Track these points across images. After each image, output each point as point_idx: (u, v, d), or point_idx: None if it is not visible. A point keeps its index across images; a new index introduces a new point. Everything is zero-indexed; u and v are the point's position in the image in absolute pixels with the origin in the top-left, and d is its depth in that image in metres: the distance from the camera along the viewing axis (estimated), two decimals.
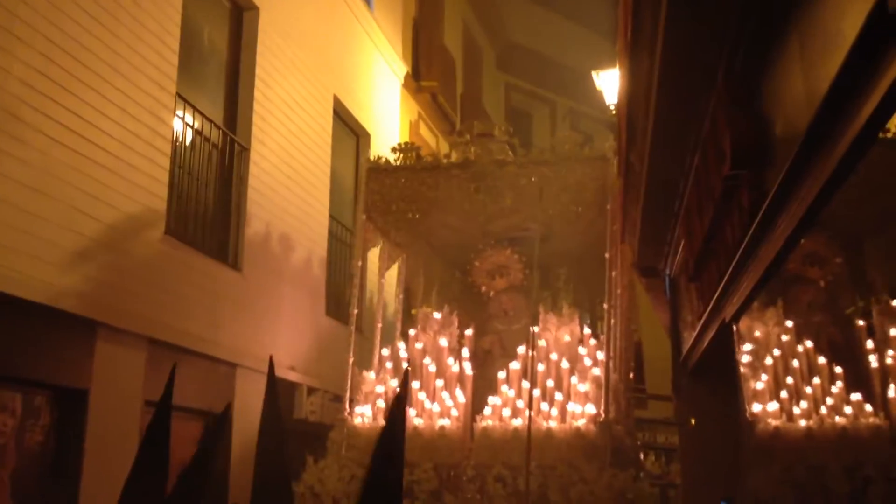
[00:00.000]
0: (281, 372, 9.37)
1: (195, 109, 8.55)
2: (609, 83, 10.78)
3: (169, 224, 7.80)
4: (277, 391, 1.74)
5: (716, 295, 5.02)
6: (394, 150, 8.43)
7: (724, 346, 5.80)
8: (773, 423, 6.46)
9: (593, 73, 11.05)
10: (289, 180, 10.04)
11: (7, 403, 6.21)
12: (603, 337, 7.68)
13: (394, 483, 1.72)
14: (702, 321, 5.73)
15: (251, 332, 8.96)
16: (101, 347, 6.79)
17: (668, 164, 5.23)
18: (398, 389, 1.74)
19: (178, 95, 8.08)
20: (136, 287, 7.24)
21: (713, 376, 6.69)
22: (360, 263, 8.26)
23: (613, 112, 9.45)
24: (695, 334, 6.32)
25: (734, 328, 6.65)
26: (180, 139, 8.28)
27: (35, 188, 6.20)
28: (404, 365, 7.82)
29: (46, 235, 6.32)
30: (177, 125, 8.16)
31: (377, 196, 8.19)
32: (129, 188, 7.23)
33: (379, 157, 8.57)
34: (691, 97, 4.41)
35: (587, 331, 8.14)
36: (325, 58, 11.36)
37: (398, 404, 1.77)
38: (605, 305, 7.50)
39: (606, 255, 7.57)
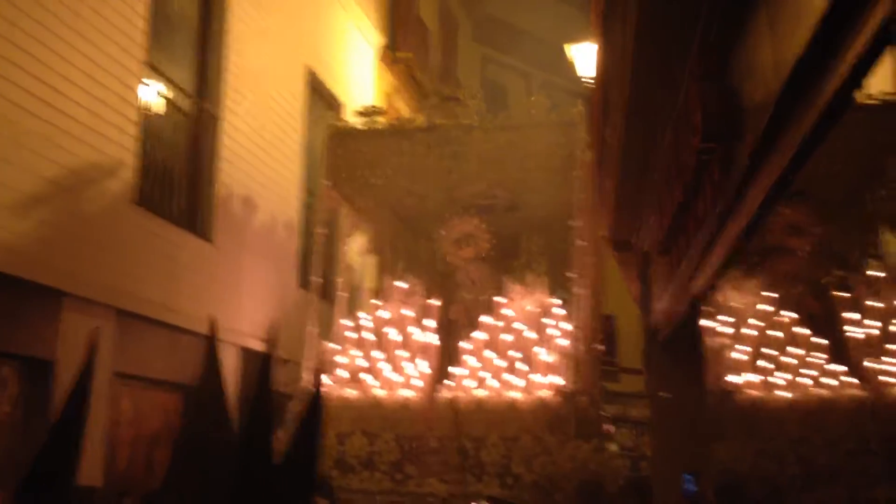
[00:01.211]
0: (252, 343, 9.33)
1: (164, 77, 8.42)
2: (582, 56, 10.76)
3: (138, 193, 7.69)
4: (219, 359, 1.67)
5: (686, 269, 5.02)
6: (357, 113, 8.25)
7: (694, 320, 5.83)
8: (753, 393, 6.47)
9: (565, 46, 11.01)
10: (261, 151, 9.94)
11: None
12: (569, 307, 7.58)
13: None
14: (672, 295, 5.75)
15: (222, 303, 8.90)
16: (67, 317, 6.69)
17: (642, 137, 5.22)
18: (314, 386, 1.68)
19: (147, 63, 7.94)
20: (103, 257, 7.14)
21: (683, 350, 6.72)
22: (324, 231, 8.16)
23: (586, 84, 9.42)
24: (665, 308, 6.34)
25: (707, 301, 6.68)
26: (149, 108, 8.15)
27: None
28: (366, 335, 7.71)
29: (10, 203, 6.21)
30: (146, 93, 8.02)
31: (341, 161, 8.01)
32: (97, 157, 7.11)
33: (342, 121, 8.42)
34: (664, 70, 4.39)
35: (555, 300, 8.05)
36: (298, 27, 11.21)
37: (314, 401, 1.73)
38: (571, 274, 7.39)
39: (572, 224, 7.46)
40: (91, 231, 7.03)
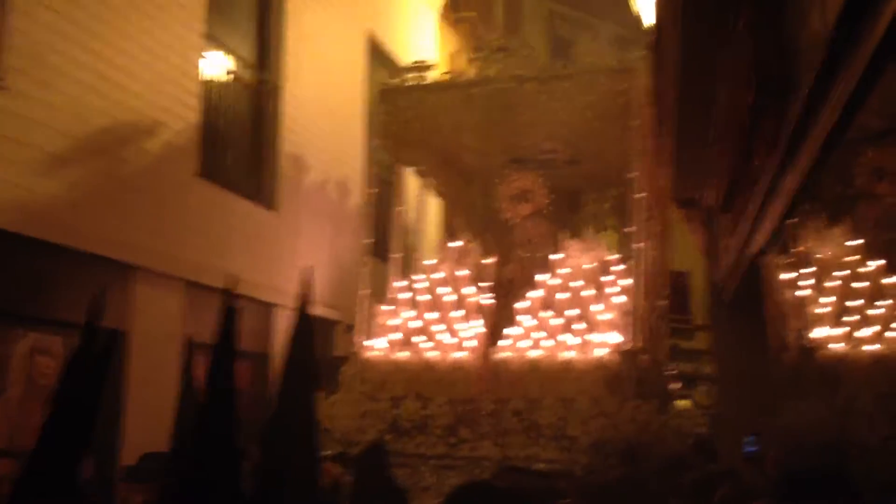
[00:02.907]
0: (318, 310, 9.47)
1: (225, 48, 8.51)
2: (648, 6, 10.46)
3: (202, 165, 7.83)
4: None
5: (746, 226, 4.90)
6: (407, 68, 7.94)
7: (757, 276, 5.69)
8: (837, 348, 6.19)
9: None
10: (323, 118, 10.00)
11: (49, 346, 6.37)
12: (631, 262, 7.10)
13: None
14: (735, 252, 5.63)
15: (289, 271, 9.03)
16: (139, 290, 6.91)
17: (697, 93, 5.10)
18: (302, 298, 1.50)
19: (207, 35, 8.04)
20: (171, 230, 7.32)
21: (748, 307, 6.58)
22: (376, 191, 7.91)
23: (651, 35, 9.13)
24: (729, 265, 6.21)
25: (785, 252, 6.43)
26: (210, 79, 8.26)
27: (65, 133, 6.26)
28: (419, 297, 7.57)
29: (79, 181, 6.39)
30: (206, 65, 8.13)
31: (392, 119, 7.71)
32: (161, 130, 7.26)
33: (392, 78, 8.21)
34: (716, 22, 4.26)
35: (614, 256, 7.67)
36: None
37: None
38: (632, 228, 6.98)
39: (631, 175, 6.99)
40: (157, 204, 7.20)
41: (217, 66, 8.41)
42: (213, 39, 8.26)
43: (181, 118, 7.52)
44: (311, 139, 9.68)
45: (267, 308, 8.69)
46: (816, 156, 3.29)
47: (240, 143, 8.79)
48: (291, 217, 9.21)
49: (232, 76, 8.67)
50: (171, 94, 7.38)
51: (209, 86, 8.18)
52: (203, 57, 7.98)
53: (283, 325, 8.81)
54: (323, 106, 10.00)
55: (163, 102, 7.28)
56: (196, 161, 7.74)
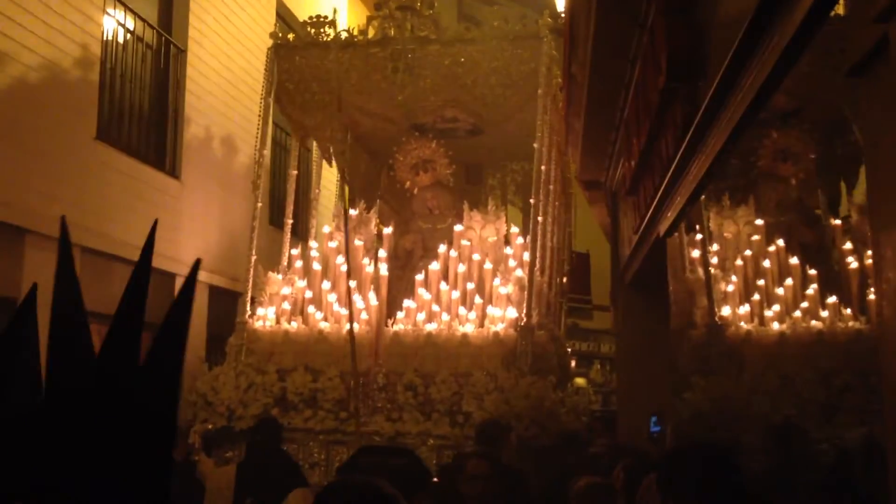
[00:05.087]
0: (220, 281, 9.28)
1: (127, 8, 8.17)
2: None
3: (100, 128, 7.52)
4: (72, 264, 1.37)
5: (651, 209, 4.99)
6: (306, 24, 7.56)
7: (659, 259, 5.81)
8: (743, 327, 6.29)
9: None
10: (229, 84, 9.72)
11: None
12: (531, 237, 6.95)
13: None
14: (638, 235, 5.72)
15: (191, 240, 8.79)
16: (30, 255, 6.59)
17: (609, 75, 5.13)
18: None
19: None
20: (66, 193, 7.01)
21: (648, 289, 6.74)
22: (266, 152, 7.48)
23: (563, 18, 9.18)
24: (632, 247, 6.33)
25: (695, 230, 6.54)
26: (111, 39, 7.92)
27: None
28: (314, 266, 7.22)
29: None
30: (108, 24, 7.79)
31: (286, 77, 7.35)
32: (57, 90, 6.93)
33: (287, 33, 7.82)
34: (631, 5, 4.30)
35: (515, 230, 7.61)
36: None
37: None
38: (532, 200, 6.86)
39: (535, 146, 6.90)
40: (53, 167, 6.89)
41: (119, 25, 8.06)
42: None
43: (79, 78, 7.20)
44: (215, 105, 9.41)
45: (168, 278, 8.42)
46: (725, 140, 3.36)
47: (142, 107, 8.47)
48: (194, 185, 8.96)
49: (134, 37, 8.33)
50: (69, 52, 7.05)
51: (110, 46, 7.84)
52: (104, 14, 7.63)
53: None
54: (229, 71, 9.73)
55: (60, 60, 6.95)
56: (94, 123, 7.42)
